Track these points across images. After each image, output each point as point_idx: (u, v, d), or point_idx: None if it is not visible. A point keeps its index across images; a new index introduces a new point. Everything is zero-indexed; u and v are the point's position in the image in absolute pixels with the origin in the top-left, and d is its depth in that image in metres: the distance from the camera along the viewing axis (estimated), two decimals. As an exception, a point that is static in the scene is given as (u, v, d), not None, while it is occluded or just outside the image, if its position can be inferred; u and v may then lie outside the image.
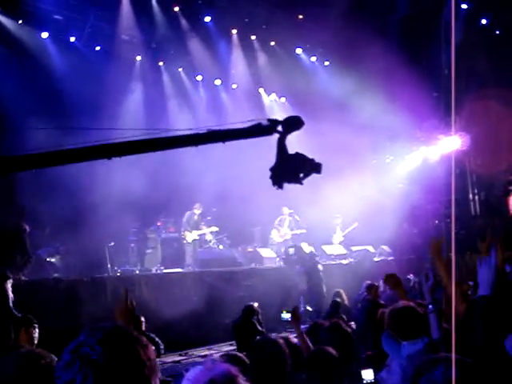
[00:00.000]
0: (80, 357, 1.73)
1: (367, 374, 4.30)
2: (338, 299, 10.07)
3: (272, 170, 4.18)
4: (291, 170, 4.18)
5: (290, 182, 4.13)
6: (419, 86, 16.31)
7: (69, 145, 3.83)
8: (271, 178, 4.14)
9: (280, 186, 4.11)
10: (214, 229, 15.73)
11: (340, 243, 17.45)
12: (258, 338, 4.85)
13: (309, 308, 12.80)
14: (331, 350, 4.43)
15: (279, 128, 4.18)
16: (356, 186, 15.97)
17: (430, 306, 4.04)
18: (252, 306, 9.63)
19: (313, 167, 4.16)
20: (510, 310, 2.87)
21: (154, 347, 3.41)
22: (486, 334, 2.80)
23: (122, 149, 4.00)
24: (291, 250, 14.66)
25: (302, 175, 4.13)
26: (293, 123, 4.33)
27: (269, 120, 4.24)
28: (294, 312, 5.36)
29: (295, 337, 5.26)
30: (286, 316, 8.80)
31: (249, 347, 4.52)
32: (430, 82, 17.17)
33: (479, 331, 2.82)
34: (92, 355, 1.72)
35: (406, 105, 16.39)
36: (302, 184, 4.16)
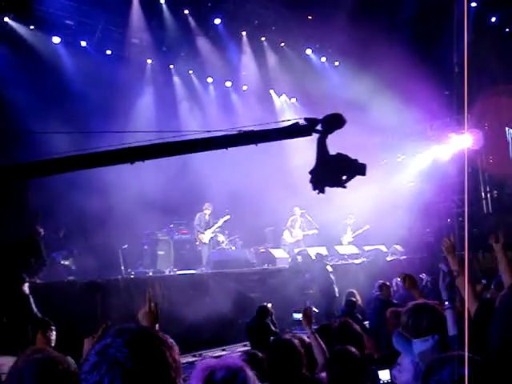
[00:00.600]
0: (107, 359, 1.73)
1: (384, 375, 4.28)
2: (353, 299, 10.07)
3: (312, 173, 3.90)
4: (333, 172, 3.89)
5: (332, 185, 3.85)
6: (430, 85, 16.28)
7: (84, 149, 3.77)
8: (311, 181, 3.86)
9: (321, 191, 3.84)
10: (226, 217, 15.68)
11: (349, 243, 17.45)
12: (272, 338, 4.87)
13: (315, 309, 12.79)
14: (353, 349, 4.43)
15: (318, 127, 3.92)
16: (368, 186, 15.93)
17: (447, 303, 4.04)
18: (266, 307, 9.65)
19: (356, 168, 3.87)
20: None
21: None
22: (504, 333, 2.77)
23: (150, 152, 3.86)
24: (299, 258, 14.62)
25: (344, 178, 3.85)
26: (333, 121, 4.04)
27: (306, 119, 3.98)
28: (306, 312, 5.38)
29: (307, 336, 5.27)
30: (298, 316, 8.83)
31: (265, 348, 4.55)
32: (441, 81, 17.12)
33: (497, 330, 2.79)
34: (119, 357, 1.73)
35: (417, 103, 16.39)
36: (345, 187, 3.86)
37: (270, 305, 9.69)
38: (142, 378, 1.73)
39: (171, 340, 1.90)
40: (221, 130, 4.01)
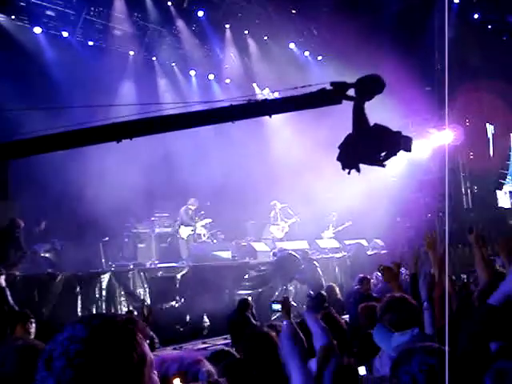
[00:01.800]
0: (58, 353, 1.56)
1: (360, 370, 4.27)
2: (324, 292, 10.10)
3: (343, 147, 3.18)
4: (372, 147, 3.14)
5: (368, 162, 3.13)
6: (412, 80, 16.37)
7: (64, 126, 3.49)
8: (340, 159, 3.17)
9: (356, 169, 3.13)
10: (207, 220, 15.73)
11: (333, 237, 17.54)
12: (248, 330, 4.85)
13: (293, 303, 12.82)
14: None
15: (351, 93, 3.21)
16: (349, 180, 16.02)
17: (426, 304, 4.07)
18: (246, 300, 9.69)
19: (400, 143, 3.13)
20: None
21: (148, 341, 3.47)
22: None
23: (139, 127, 3.43)
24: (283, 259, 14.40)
25: (383, 154, 3.13)
26: (370, 85, 3.25)
27: (333, 84, 3.28)
28: (284, 303, 5.38)
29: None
30: (276, 307, 8.79)
31: (241, 340, 4.55)
32: (422, 76, 17.24)
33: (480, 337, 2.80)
34: (71, 351, 1.55)
35: (398, 99, 16.43)
36: (384, 166, 3.16)
37: (250, 298, 9.73)
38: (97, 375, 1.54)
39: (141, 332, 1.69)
40: (227, 100, 3.36)
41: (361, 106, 3.17)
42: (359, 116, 3.15)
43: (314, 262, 13.63)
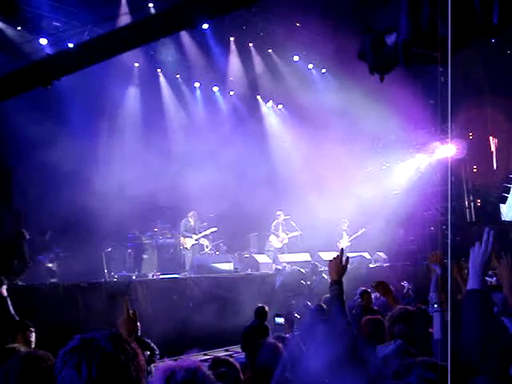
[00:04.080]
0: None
1: None
2: (324, 305, 10.05)
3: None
4: None
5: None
6: (415, 94, 16.42)
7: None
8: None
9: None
10: (213, 229, 15.73)
11: (347, 248, 17.49)
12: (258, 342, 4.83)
13: (297, 315, 12.76)
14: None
15: None
16: (352, 193, 16.06)
17: (436, 306, 4.07)
18: (263, 308, 9.57)
19: None
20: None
21: (149, 352, 3.49)
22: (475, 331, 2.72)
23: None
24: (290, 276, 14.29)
25: None
26: None
27: None
28: (287, 316, 5.38)
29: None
30: (280, 320, 8.74)
31: (252, 349, 4.54)
32: (426, 90, 17.25)
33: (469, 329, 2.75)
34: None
35: (402, 112, 16.50)
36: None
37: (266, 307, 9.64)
38: None
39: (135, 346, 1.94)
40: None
41: None
42: None
43: (324, 275, 13.59)
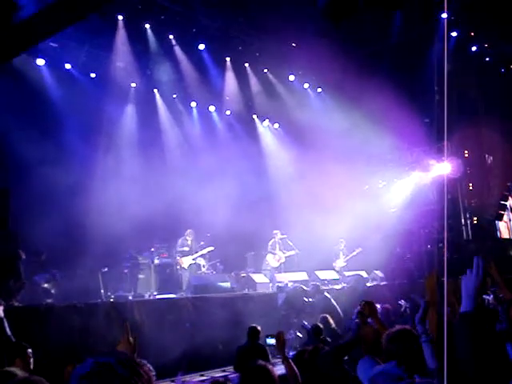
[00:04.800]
0: None
1: None
2: (320, 324, 10.03)
3: None
4: None
5: None
6: (411, 112, 16.53)
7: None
8: None
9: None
10: (210, 249, 15.69)
11: (342, 268, 17.49)
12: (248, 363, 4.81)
13: (299, 334, 12.71)
14: None
15: None
16: (349, 212, 16.07)
17: (423, 336, 4.07)
18: (256, 328, 9.56)
19: None
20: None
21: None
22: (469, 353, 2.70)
23: None
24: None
25: None
26: None
27: None
28: (279, 337, 5.36)
29: (282, 361, 5.29)
30: (271, 341, 8.70)
31: (244, 370, 4.52)
32: (421, 108, 17.38)
33: (463, 351, 2.74)
34: None
35: (398, 130, 16.60)
36: None
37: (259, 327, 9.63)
38: None
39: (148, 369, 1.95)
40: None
41: None
42: None
43: (326, 294, 13.56)
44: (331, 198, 16.24)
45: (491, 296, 9.46)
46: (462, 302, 2.81)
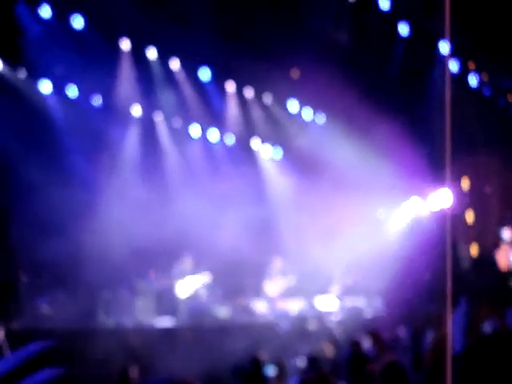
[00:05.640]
0: None
1: None
2: (315, 354, 9.97)
3: None
4: None
5: None
6: (412, 141, 16.62)
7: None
8: None
9: None
10: (208, 275, 15.64)
11: (341, 294, 17.41)
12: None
13: (299, 363, 12.63)
14: None
15: None
16: (349, 238, 16.08)
17: None
18: (257, 356, 9.37)
19: None
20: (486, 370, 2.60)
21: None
22: None
23: None
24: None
25: None
26: None
27: None
28: (280, 366, 5.29)
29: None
30: (271, 371, 8.12)
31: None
32: (422, 137, 17.47)
33: None
34: None
35: (398, 159, 16.65)
36: None
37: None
38: None
39: None
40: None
41: None
42: None
43: (327, 325, 13.54)
44: (332, 225, 16.26)
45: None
46: (453, 342, 2.78)
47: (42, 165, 13.61)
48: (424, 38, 16.29)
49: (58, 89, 15.39)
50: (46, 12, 14.41)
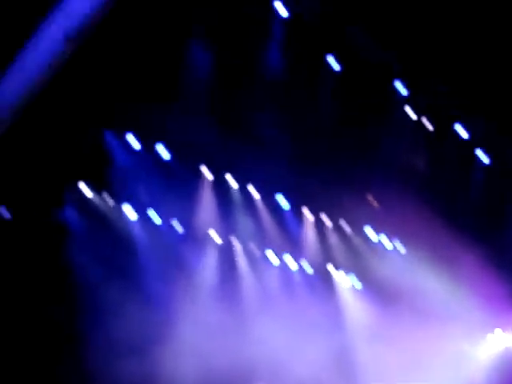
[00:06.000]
0: None
1: None
2: None
3: None
4: None
5: None
6: (496, 271, 16.15)
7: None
8: None
9: None
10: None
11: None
12: None
13: None
14: None
15: None
16: (429, 374, 15.49)
17: None
18: None
19: None
20: None
21: None
22: None
23: None
24: None
25: None
26: None
27: None
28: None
29: None
30: None
31: None
32: (503, 268, 16.93)
33: None
34: None
35: (482, 290, 16.14)
36: None
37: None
38: None
39: None
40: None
41: None
42: None
43: None
44: (412, 358, 15.71)
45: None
46: None
47: (120, 286, 13.85)
48: (503, 166, 16.20)
49: (142, 214, 15.80)
50: (133, 142, 15.01)
